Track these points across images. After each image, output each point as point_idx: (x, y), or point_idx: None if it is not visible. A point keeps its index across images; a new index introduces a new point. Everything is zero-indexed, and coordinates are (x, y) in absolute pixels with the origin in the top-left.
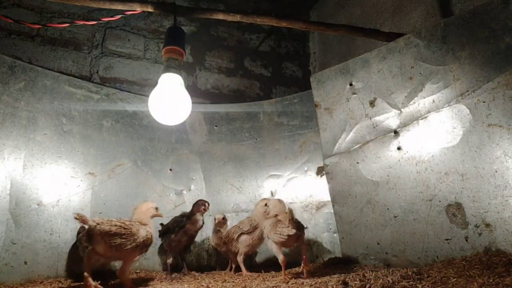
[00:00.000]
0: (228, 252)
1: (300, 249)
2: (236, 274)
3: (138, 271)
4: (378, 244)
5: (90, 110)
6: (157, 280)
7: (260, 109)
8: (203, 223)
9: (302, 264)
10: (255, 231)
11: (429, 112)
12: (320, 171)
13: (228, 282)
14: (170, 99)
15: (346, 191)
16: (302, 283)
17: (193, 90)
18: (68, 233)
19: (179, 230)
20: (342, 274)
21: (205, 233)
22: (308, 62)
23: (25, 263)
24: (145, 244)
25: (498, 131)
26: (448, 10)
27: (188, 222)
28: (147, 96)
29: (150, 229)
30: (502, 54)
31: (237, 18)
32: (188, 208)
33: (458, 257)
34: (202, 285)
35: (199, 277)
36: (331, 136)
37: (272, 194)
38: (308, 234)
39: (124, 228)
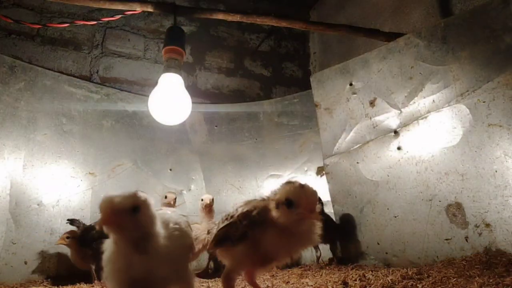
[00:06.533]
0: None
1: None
2: None
3: None
4: (378, 244)
5: (90, 110)
6: None
7: (260, 109)
8: None
9: None
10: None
11: (429, 112)
12: (320, 171)
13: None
14: (170, 99)
15: (346, 191)
16: (303, 283)
17: (193, 90)
18: None
19: None
20: (342, 274)
21: None
22: (308, 62)
23: (25, 263)
24: None
25: (498, 131)
26: (448, 10)
27: None
28: (147, 96)
29: None
30: (502, 54)
31: (237, 18)
32: (188, 208)
33: (458, 257)
34: (202, 285)
35: None
36: (331, 136)
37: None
38: None
39: None
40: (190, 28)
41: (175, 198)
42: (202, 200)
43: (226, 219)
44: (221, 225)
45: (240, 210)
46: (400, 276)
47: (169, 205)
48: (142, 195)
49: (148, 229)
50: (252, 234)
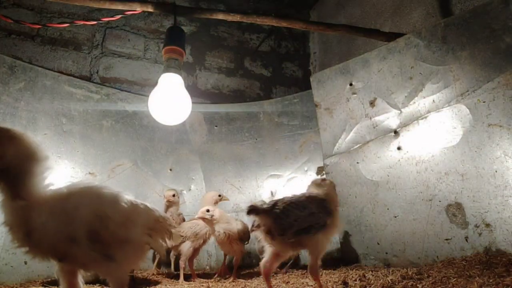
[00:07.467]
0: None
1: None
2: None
3: (139, 271)
4: (378, 244)
5: (90, 110)
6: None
7: (260, 109)
8: None
9: None
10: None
11: (429, 112)
12: (320, 171)
13: (229, 282)
14: (170, 99)
15: (346, 191)
16: (303, 283)
17: (193, 90)
18: None
19: None
20: (342, 274)
21: None
22: (308, 62)
23: (25, 263)
24: None
25: (498, 131)
26: (448, 10)
27: None
28: (147, 96)
29: None
30: (502, 54)
31: (237, 18)
32: (188, 208)
33: (458, 257)
34: (203, 285)
35: None
36: (331, 136)
37: (272, 194)
38: None
39: None
40: (190, 28)
41: (173, 195)
42: (219, 196)
43: (286, 208)
44: (293, 215)
45: (314, 201)
46: (400, 276)
47: (169, 202)
48: None
49: (12, 168)
50: (329, 221)
